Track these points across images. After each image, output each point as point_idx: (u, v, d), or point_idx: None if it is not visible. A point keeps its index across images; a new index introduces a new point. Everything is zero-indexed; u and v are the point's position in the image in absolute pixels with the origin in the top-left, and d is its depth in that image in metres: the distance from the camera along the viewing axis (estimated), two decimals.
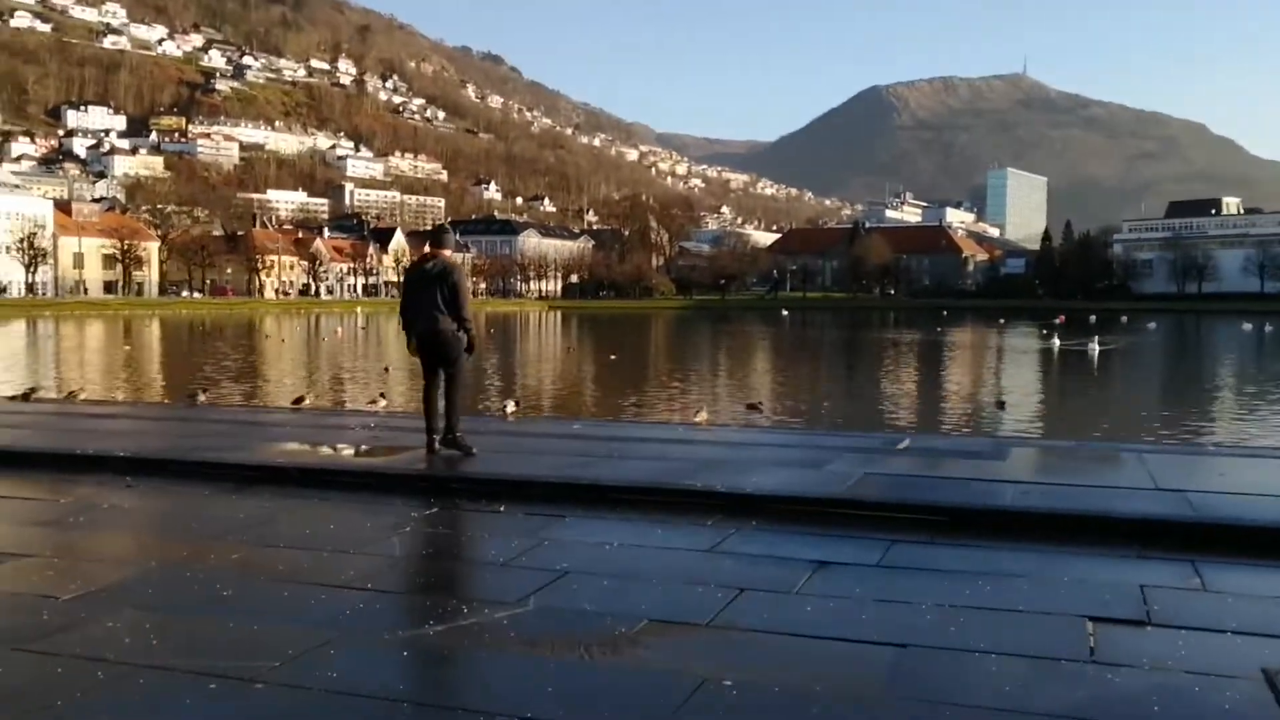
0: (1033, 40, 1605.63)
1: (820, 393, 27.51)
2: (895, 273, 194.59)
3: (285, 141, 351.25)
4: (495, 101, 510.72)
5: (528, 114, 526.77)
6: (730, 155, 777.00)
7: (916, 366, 40.02)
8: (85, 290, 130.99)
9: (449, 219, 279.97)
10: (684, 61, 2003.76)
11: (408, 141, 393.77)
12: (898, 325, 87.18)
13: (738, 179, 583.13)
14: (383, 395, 18.80)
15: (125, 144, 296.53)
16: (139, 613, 4.98)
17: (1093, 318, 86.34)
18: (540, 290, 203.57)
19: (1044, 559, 6.05)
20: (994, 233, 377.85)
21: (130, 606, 5.08)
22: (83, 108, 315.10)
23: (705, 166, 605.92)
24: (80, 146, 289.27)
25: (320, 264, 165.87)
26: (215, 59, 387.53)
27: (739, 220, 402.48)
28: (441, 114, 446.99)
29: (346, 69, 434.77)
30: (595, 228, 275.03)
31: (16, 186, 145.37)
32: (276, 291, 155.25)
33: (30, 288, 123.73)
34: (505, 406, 15.77)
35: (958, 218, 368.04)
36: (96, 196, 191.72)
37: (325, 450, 9.93)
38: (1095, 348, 42.70)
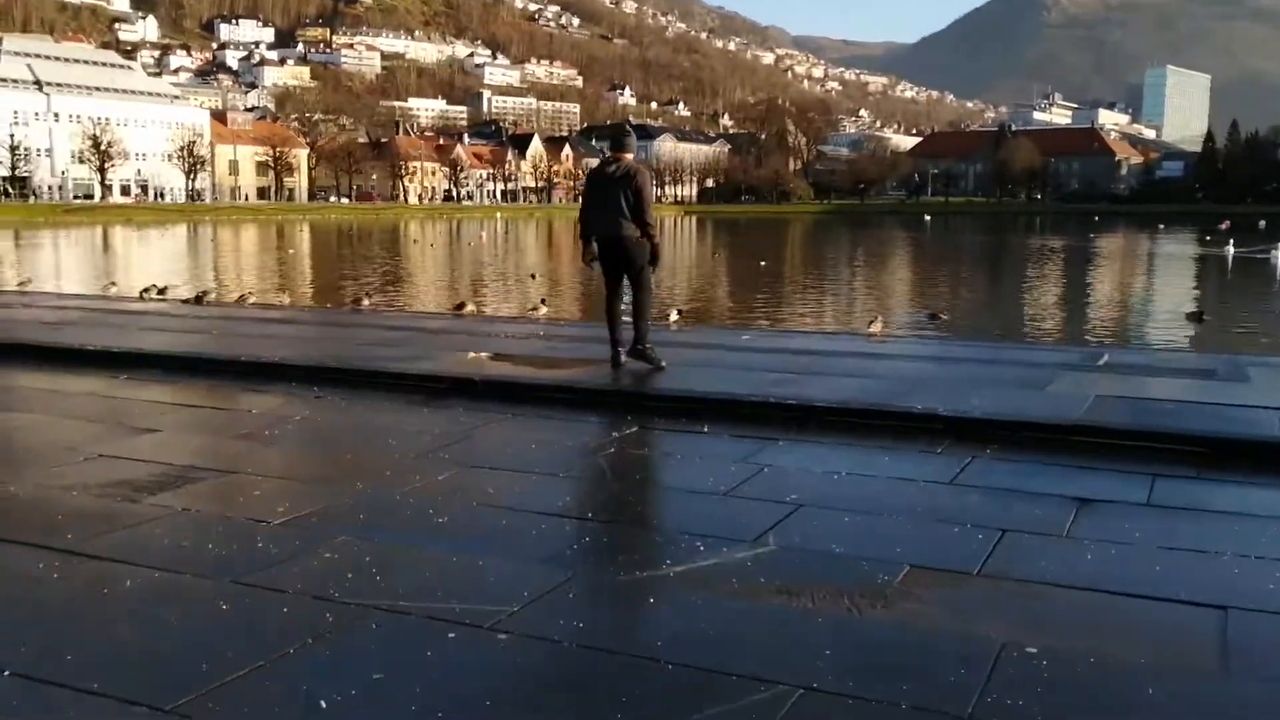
0: None
1: (991, 301, 26.31)
2: (1043, 177, 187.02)
3: (425, 50, 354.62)
4: (629, 7, 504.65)
5: (662, 18, 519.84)
6: (868, 58, 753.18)
7: (1082, 274, 38.13)
8: (244, 197, 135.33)
9: (585, 124, 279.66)
10: None
11: (543, 48, 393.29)
12: (1044, 231, 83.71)
13: (876, 82, 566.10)
14: (543, 302, 18.50)
15: (274, 55, 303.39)
16: (355, 541, 4.68)
17: (1262, 223, 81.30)
18: (676, 195, 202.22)
19: None
20: (1150, 135, 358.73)
21: (345, 534, 4.78)
22: (234, 21, 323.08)
23: (842, 69, 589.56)
24: (232, 58, 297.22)
25: (461, 170, 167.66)
26: None
27: (877, 124, 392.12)
28: (576, 20, 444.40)
29: None
30: (731, 132, 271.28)
31: (176, 98, 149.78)
32: (419, 197, 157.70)
33: (190, 194, 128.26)
34: (669, 315, 15.31)
35: (1111, 119, 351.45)
36: (249, 106, 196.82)
37: (507, 362, 9.61)
38: (1279, 255, 39.61)
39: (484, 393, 8.19)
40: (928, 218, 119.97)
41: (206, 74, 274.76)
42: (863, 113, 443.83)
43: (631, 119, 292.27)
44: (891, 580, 4.21)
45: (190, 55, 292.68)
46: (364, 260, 43.71)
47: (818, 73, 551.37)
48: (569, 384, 8.19)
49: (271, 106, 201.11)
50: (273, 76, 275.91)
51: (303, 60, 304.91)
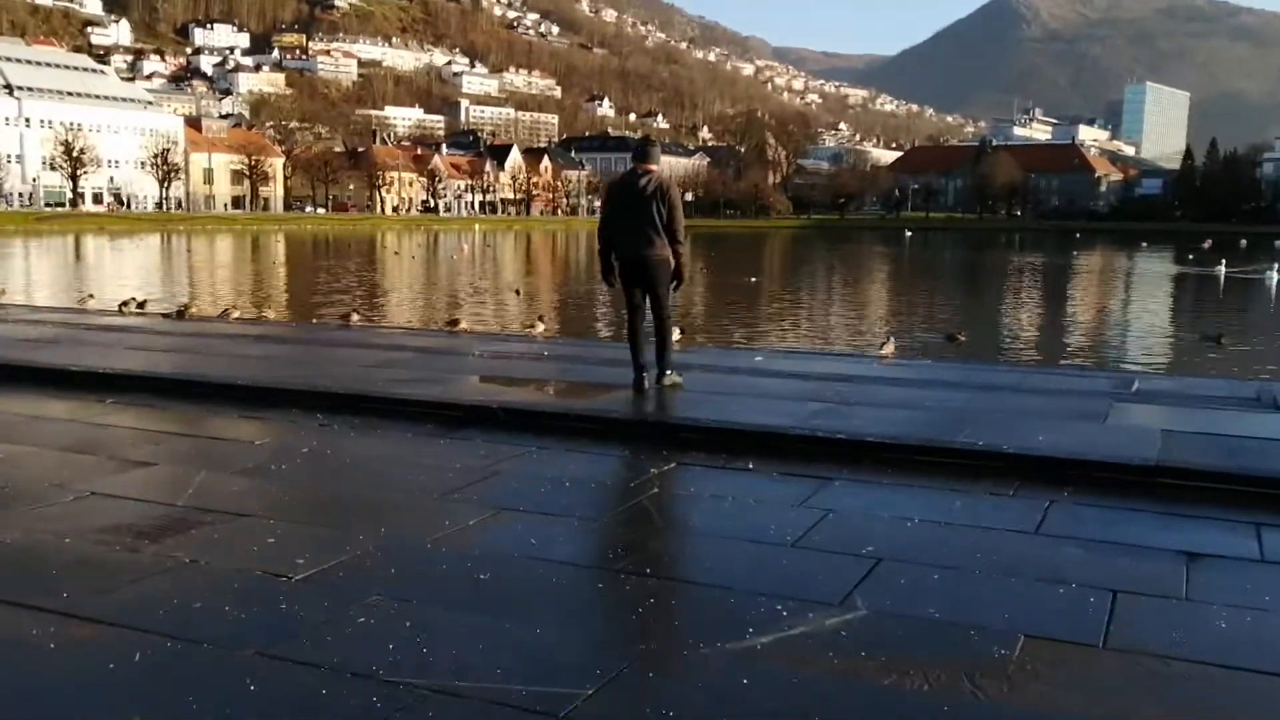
0: None
1: (999, 321, 25.84)
2: (1023, 193, 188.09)
3: (402, 58, 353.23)
4: (609, 16, 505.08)
5: (642, 28, 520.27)
6: (848, 70, 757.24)
7: (1081, 293, 37.85)
8: (224, 205, 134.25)
9: (564, 135, 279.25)
10: None
11: (522, 57, 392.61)
12: (1025, 248, 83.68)
13: (856, 94, 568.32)
14: (541, 319, 17.98)
15: (249, 61, 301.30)
16: (390, 603, 4.14)
17: (1243, 242, 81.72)
18: None
19: None
20: (1129, 151, 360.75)
21: (377, 592, 4.25)
22: (209, 26, 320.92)
23: (822, 82, 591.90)
24: (207, 64, 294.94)
25: (439, 180, 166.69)
26: None
27: (857, 137, 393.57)
28: (555, 29, 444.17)
29: None
30: (710, 144, 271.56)
31: (150, 103, 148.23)
32: (396, 208, 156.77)
33: (164, 202, 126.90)
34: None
35: (1090, 135, 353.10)
36: (223, 113, 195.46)
37: (521, 387, 9.08)
38: (1274, 276, 39.28)
39: (503, 422, 7.64)
40: (909, 233, 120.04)
41: (180, 80, 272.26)
42: (842, 126, 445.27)
43: (610, 130, 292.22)
44: (1009, 654, 3.71)
45: (164, 60, 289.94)
46: (344, 272, 43.03)
47: (798, 85, 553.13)
48: (595, 413, 7.66)
49: (247, 114, 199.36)
50: (248, 83, 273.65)
51: (278, 67, 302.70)
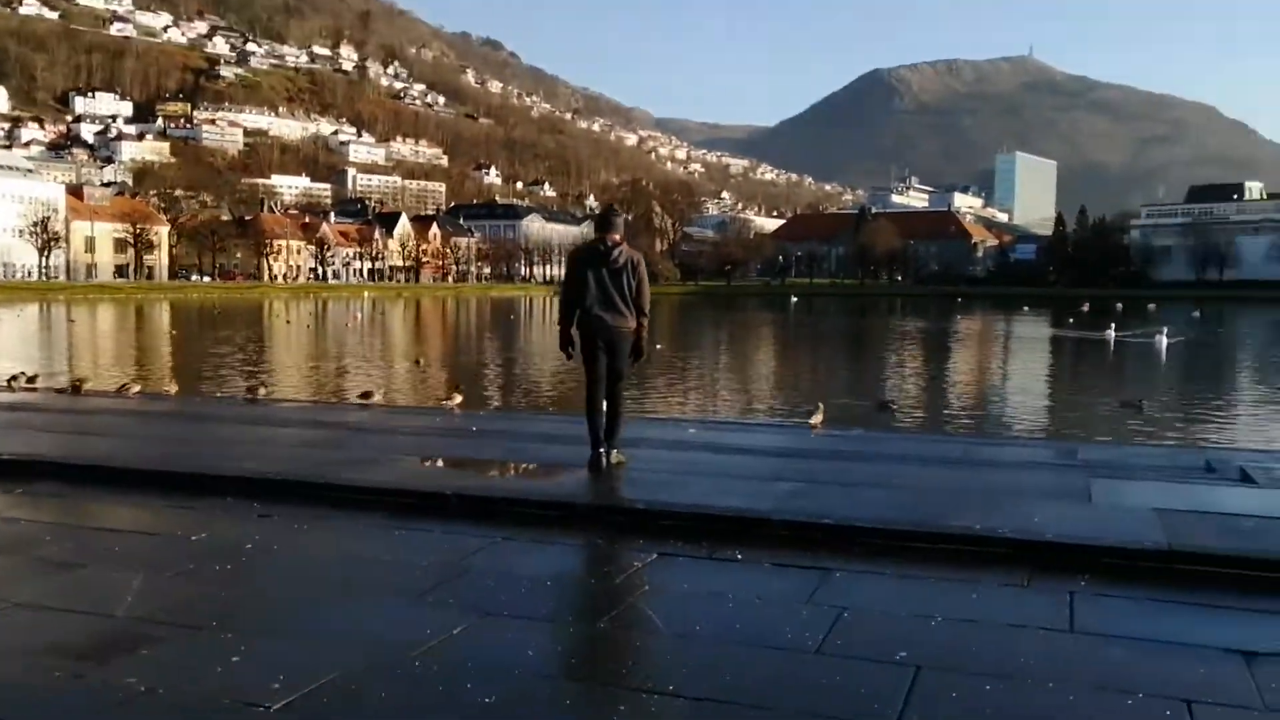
0: (1038, 22, 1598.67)
1: (914, 389, 25.83)
2: (903, 259, 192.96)
3: (289, 127, 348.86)
4: (495, 87, 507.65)
5: (527, 99, 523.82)
6: (730, 140, 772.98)
7: (982, 359, 38.30)
8: (111, 274, 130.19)
9: (452, 203, 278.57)
10: (683, 46, 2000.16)
11: (409, 127, 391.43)
12: (908, 313, 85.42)
13: (738, 164, 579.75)
14: (458, 389, 17.37)
15: (132, 130, 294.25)
16: None
17: (1119, 305, 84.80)
18: (545, 275, 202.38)
19: None
20: (1003, 218, 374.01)
21: None
22: (90, 94, 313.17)
23: (705, 151, 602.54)
24: (88, 132, 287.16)
25: (327, 248, 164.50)
26: (219, 45, 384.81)
27: (739, 206, 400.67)
28: (442, 99, 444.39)
29: (348, 55, 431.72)
30: (598, 213, 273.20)
31: (29, 171, 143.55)
32: (284, 276, 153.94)
33: (43, 271, 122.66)
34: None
35: (965, 202, 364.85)
36: (105, 181, 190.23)
37: (470, 468, 8.57)
38: (1164, 340, 40.32)
39: (459, 509, 7.11)
40: (794, 300, 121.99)
41: (60, 148, 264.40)
42: (725, 194, 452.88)
43: (498, 198, 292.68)
44: None
45: (44, 128, 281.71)
46: (238, 343, 41.62)
47: (681, 154, 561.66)
48: (560, 499, 7.18)
49: (129, 182, 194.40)
50: (131, 152, 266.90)
51: (163, 135, 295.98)
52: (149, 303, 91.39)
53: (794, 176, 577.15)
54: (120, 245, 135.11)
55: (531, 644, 4.59)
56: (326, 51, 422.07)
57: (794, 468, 8.48)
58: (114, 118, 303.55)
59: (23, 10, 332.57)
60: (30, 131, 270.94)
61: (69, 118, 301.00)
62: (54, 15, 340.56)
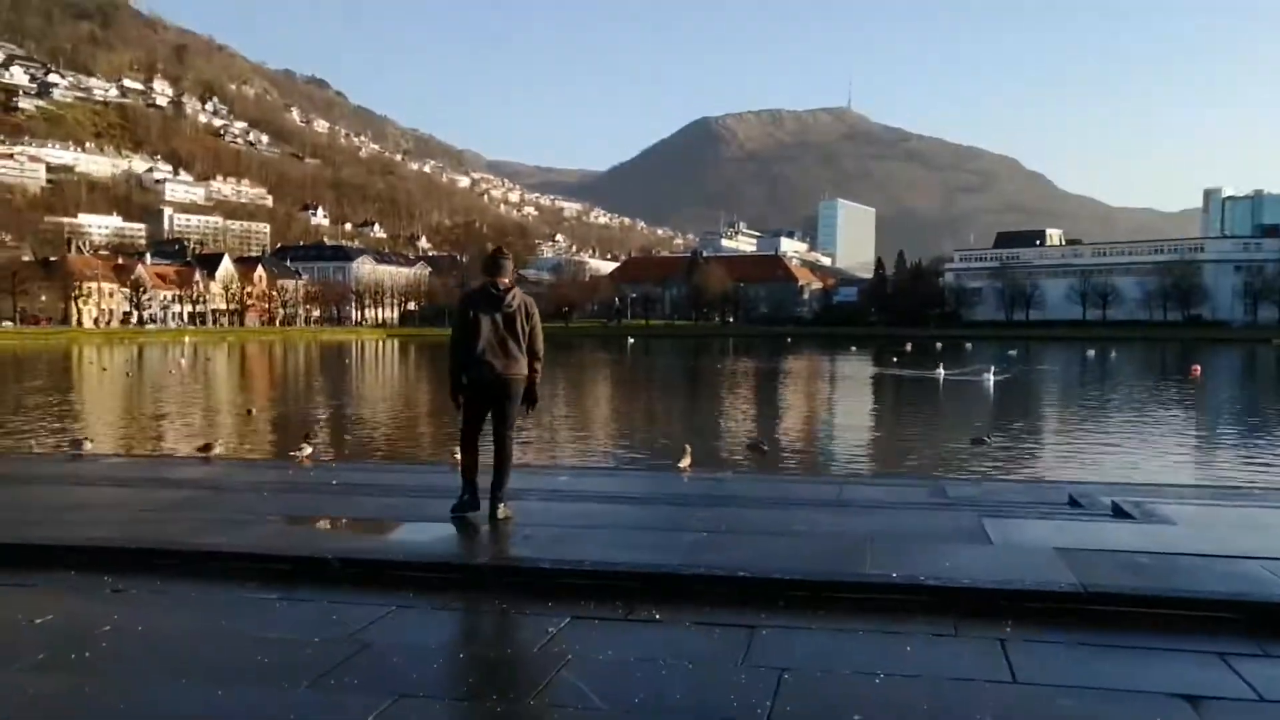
0: (856, 74, 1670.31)
1: (778, 428, 25.98)
2: (735, 300, 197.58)
3: (97, 164, 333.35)
4: (321, 126, 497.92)
5: (355, 139, 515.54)
6: (562, 184, 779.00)
7: (825, 398, 38.76)
8: None
9: (278, 244, 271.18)
10: (515, 89, 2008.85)
11: (230, 165, 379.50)
12: (740, 353, 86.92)
13: (571, 207, 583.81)
14: (307, 438, 16.58)
15: None
16: None
17: (939, 345, 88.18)
18: (377, 317, 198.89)
19: None
20: (827, 261, 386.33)
21: None
22: None
23: (538, 195, 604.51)
24: None
25: (143, 291, 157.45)
26: (18, 75, 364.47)
27: (573, 248, 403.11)
28: (265, 138, 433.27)
29: (163, 90, 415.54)
30: (431, 254, 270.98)
31: None
32: (96, 320, 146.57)
33: None
34: (452, 454, 13.83)
35: (791, 247, 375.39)
36: None
37: (345, 529, 8.01)
38: (990, 378, 41.73)
39: (342, 575, 6.58)
40: (631, 340, 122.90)
41: None
42: (559, 238, 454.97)
43: (326, 239, 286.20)
44: None
45: None
46: (49, 393, 39.11)
47: (514, 197, 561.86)
48: (452, 560, 6.74)
49: None
50: None
51: None
52: None
53: (627, 220, 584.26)
54: None
55: None
56: (139, 85, 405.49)
57: (687, 516, 8.24)
58: None
59: None
60: None
61: None
62: None
